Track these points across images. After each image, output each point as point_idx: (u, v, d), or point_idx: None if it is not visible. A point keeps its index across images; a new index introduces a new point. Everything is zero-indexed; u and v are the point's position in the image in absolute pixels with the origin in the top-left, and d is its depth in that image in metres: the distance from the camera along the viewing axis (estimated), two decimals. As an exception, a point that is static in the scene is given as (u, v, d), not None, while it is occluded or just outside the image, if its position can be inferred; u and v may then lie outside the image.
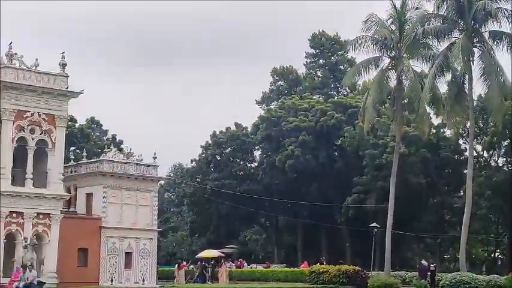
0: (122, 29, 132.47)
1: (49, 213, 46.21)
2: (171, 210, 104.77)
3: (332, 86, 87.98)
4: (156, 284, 52.12)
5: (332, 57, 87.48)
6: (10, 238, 44.85)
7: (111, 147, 59.38)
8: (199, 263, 56.43)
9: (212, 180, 78.52)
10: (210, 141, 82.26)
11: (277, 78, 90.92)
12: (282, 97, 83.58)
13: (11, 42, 46.31)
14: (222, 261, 54.59)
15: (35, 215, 45.61)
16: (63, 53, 48.00)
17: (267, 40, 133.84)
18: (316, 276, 42.81)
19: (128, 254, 53.41)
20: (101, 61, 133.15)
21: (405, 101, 49.95)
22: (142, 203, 54.62)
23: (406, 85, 48.25)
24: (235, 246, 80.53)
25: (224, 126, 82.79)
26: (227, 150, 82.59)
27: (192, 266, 59.53)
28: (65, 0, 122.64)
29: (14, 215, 44.94)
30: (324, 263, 51.61)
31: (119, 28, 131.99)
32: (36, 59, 46.78)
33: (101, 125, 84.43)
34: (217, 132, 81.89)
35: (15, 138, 45.28)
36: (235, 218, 79.41)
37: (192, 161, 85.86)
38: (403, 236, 64.05)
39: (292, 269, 53.44)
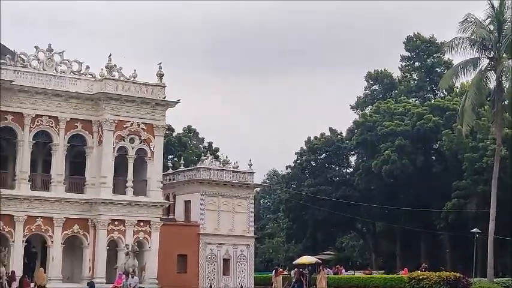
0: (218, 38, 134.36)
1: (149, 221, 47.24)
2: (267, 216, 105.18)
3: (428, 88, 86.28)
4: (254, 290, 52.48)
5: (428, 60, 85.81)
6: (112, 245, 46.11)
7: (208, 155, 60.26)
8: (296, 269, 56.37)
9: (307, 187, 78.37)
10: (304, 148, 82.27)
11: (371, 82, 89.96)
12: (377, 101, 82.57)
13: (111, 54, 47.85)
14: (321, 267, 54.32)
15: (136, 222, 46.73)
16: (160, 63, 49.30)
17: (361, 44, 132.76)
18: (416, 283, 41.99)
19: (226, 261, 54.02)
20: (197, 70, 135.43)
21: (505, 102, 48.44)
22: (239, 210, 55.18)
23: (506, 86, 46.79)
24: (332, 253, 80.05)
25: (319, 132, 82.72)
26: (322, 156, 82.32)
27: (288, 272, 59.52)
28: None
29: (116, 222, 46.19)
30: (424, 270, 50.59)
31: (215, 37, 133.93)
32: (135, 70, 48.16)
33: (198, 133, 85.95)
34: (312, 138, 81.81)
35: (116, 148, 46.62)
36: (331, 224, 78.99)
37: (287, 168, 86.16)
38: (507, 241, 61.94)
39: (391, 275, 52.65)
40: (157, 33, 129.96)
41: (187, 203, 54.66)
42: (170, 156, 74.96)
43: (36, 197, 44.64)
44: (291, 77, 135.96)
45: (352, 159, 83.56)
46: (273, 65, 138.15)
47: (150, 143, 47.73)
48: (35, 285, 42.11)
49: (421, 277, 42.28)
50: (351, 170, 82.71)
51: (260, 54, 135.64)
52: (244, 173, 56.07)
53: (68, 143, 46.16)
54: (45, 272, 43.07)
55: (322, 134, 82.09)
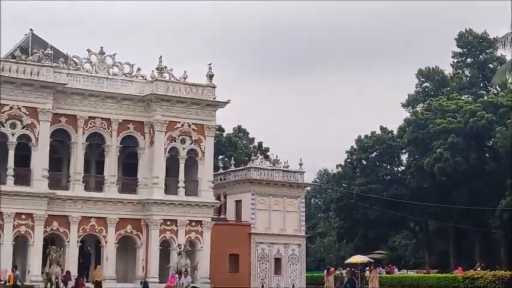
0: (267, 37, 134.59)
1: (201, 221, 47.58)
2: (318, 215, 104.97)
3: (481, 85, 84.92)
4: (306, 289, 52.38)
5: (480, 56, 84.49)
6: (165, 245, 46.55)
7: (258, 154, 60.40)
8: (348, 268, 56.14)
9: (358, 185, 77.92)
10: (355, 146, 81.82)
11: (423, 79, 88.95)
12: (429, 99, 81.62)
13: (161, 56, 48.36)
14: (372, 266, 54.05)
15: (188, 222, 47.10)
16: (210, 64, 49.48)
17: (411, 41, 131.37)
18: (470, 282, 41.50)
19: (277, 260, 54.08)
20: (246, 70, 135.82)
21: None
22: (290, 209, 55.19)
23: (561, 81, 45.75)
24: (384, 252, 79.44)
25: (369, 130, 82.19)
26: (373, 155, 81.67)
27: (341, 271, 59.32)
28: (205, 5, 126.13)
29: (168, 222, 46.63)
30: (479, 269, 49.87)
31: (264, 36, 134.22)
32: (185, 71, 48.54)
33: (248, 133, 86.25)
34: (363, 137, 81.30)
35: (167, 149, 47.06)
36: (383, 223, 78.35)
37: (337, 167, 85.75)
38: None
39: (444, 274, 52.08)
40: (205, 33, 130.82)
41: (238, 202, 54.91)
42: (221, 156, 75.42)
43: (90, 197, 45.35)
44: (341, 76, 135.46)
45: (404, 157, 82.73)
46: (323, 64, 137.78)
47: (201, 144, 48.05)
48: (92, 282, 42.95)
49: (475, 276, 41.76)
50: (403, 168, 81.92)
51: (309, 53, 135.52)
52: (295, 172, 56.04)
53: (121, 144, 46.78)
54: (100, 270, 43.83)
55: (373, 133, 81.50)
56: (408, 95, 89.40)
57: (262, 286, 52.47)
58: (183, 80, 48.17)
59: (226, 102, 49.13)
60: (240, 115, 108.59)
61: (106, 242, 45.55)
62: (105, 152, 46.44)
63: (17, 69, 43.29)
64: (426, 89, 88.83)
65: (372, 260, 59.15)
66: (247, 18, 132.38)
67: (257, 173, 54.43)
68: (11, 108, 42.94)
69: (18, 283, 39.32)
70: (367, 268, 52.50)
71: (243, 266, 52.37)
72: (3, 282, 38.96)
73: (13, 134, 43.00)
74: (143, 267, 46.06)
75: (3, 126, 42.80)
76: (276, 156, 57.39)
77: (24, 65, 43.59)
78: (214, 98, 48.65)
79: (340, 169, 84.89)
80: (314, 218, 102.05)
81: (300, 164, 56.43)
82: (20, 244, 43.01)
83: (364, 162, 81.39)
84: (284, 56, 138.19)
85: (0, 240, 42.08)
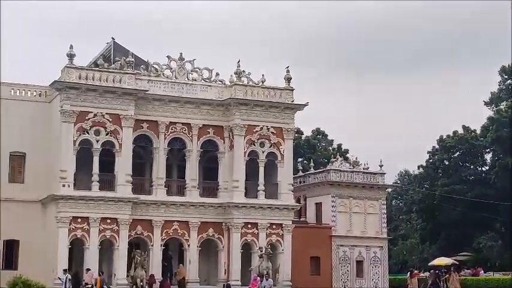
0: (345, 38, 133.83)
1: (281, 223, 47.63)
2: (400, 217, 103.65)
3: None
4: (389, 292, 51.78)
5: None
6: (246, 248, 46.83)
7: (337, 156, 60.10)
8: (432, 271, 55.21)
9: (441, 186, 76.67)
10: (437, 147, 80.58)
11: (506, 76, 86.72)
12: (513, 96, 79.64)
13: (239, 60, 48.62)
14: (452, 269, 53.08)
15: (268, 225, 47.24)
16: (288, 67, 49.47)
17: (493, 38, 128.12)
18: (560, 285, 40.20)
19: (359, 263, 53.69)
20: (323, 71, 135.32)
21: None
22: (371, 211, 54.75)
23: None
24: (469, 254, 77.83)
25: (451, 130, 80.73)
26: (455, 155, 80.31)
27: (425, 274, 58.40)
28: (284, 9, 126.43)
29: (249, 225, 46.88)
30: None
31: (341, 37, 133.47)
32: (263, 75, 48.68)
33: (326, 135, 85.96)
34: (445, 137, 79.97)
35: (247, 152, 47.32)
36: (467, 224, 76.82)
37: (419, 167, 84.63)
38: None
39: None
40: (284, 34, 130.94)
41: (318, 205, 54.81)
42: (300, 159, 75.39)
43: (173, 201, 46.00)
44: (420, 75, 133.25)
45: (488, 156, 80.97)
46: (402, 64, 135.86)
47: (280, 147, 48.12)
48: (176, 280, 43.78)
49: None
50: (487, 168, 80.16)
51: (387, 53, 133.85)
52: (375, 173, 55.56)
53: (201, 148, 47.31)
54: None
55: (455, 132, 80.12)
56: (491, 92, 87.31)
57: (344, 289, 52.20)
58: (261, 83, 48.35)
59: (305, 105, 49.03)
60: (319, 117, 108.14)
61: (189, 245, 46.12)
62: (186, 156, 47.06)
63: (100, 77, 44.39)
64: (510, 87, 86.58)
65: (457, 262, 57.97)
66: (324, 18, 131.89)
67: (337, 175, 54.21)
68: (95, 115, 44.03)
69: (105, 286, 40.33)
70: (444, 270, 51.50)
71: (324, 268, 52.21)
72: (90, 285, 40.00)
73: (97, 141, 44.06)
74: (225, 270, 46.45)
75: (88, 133, 43.93)
76: (356, 158, 57.01)
77: (107, 73, 44.68)
78: (293, 101, 48.65)
79: (421, 170, 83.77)
80: (396, 219, 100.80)
81: (380, 166, 55.91)
82: (106, 248, 44.04)
83: (447, 163, 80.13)
84: (361, 56, 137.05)
85: (86, 245, 43.17)
